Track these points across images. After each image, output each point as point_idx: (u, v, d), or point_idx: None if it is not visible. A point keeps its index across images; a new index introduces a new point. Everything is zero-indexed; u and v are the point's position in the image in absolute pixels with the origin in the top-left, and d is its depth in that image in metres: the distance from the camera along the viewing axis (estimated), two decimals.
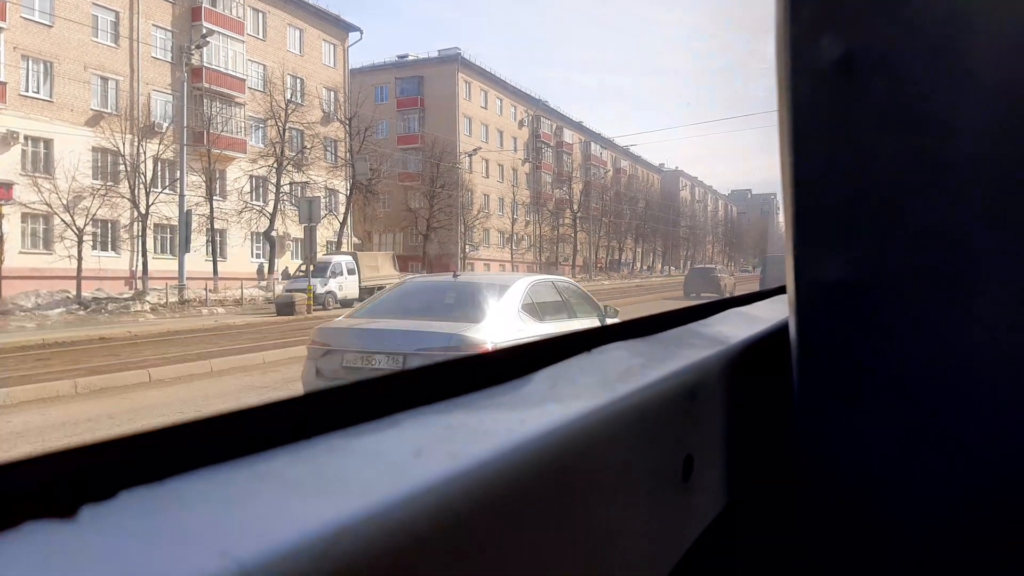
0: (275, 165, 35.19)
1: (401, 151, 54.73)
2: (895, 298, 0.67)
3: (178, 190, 28.03)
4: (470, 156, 51.76)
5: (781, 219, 1.06)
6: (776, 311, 1.13)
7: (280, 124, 35.94)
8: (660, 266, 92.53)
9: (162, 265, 33.51)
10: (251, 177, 36.22)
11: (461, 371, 0.57)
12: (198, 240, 32.68)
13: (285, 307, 19.92)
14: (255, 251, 39.41)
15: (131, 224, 31.52)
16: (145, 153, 30.53)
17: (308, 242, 21.04)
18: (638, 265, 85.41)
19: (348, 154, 39.60)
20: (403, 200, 50.22)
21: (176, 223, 32.00)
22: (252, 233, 37.92)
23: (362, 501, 0.31)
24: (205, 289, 27.68)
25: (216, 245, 33.10)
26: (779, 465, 0.83)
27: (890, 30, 0.65)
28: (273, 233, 34.86)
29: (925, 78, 0.64)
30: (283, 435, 0.38)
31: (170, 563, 0.26)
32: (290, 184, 39.02)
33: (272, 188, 36.81)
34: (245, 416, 0.40)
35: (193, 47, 30.80)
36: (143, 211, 29.50)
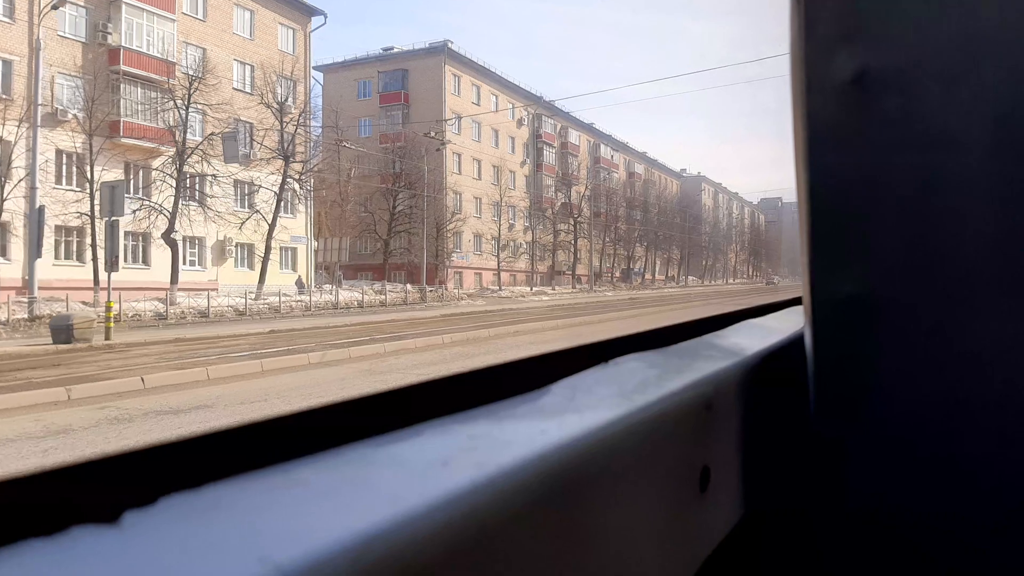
0: (176, 155, 30.15)
1: (382, 150, 49.75)
2: (910, 311, 0.68)
3: (36, 183, 23.18)
4: (438, 150, 46.28)
5: None
6: (791, 322, 1.10)
7: (180, 104, 30.95)
8: (677, 275, 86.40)
9: (66, 273, 29.20)
10: (191, 174, 31.40)
11: (481, 381, 0.58)
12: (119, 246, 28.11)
13: (60, 332, 14.82)
14: (188, 257, 34.77)
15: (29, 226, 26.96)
16: None
17: (108, 241, 15.97)
18: (650, 275, 79.30)
19: (280, 145, 34.44)
20: (376, 202, 45.25)
21: (87, 225, 28.15)
22: (185, 238, 33.21)
23: (392, 509, 0.31)
24: (65, 300, 22.87)
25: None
26: (795, 476, 0.83)
27: (904, 50, 0.67)
28: (174, 235, 29.91)
29: (939, 97, 0.66)
30: (313, 443, 0.39)
31: (211, 568, 0.26)
32: (235, 182, 34.73)
33: (218, 184, 32.26)
34: (276, 424, 0.41)
35: (50, 8, 25.96)
36: None
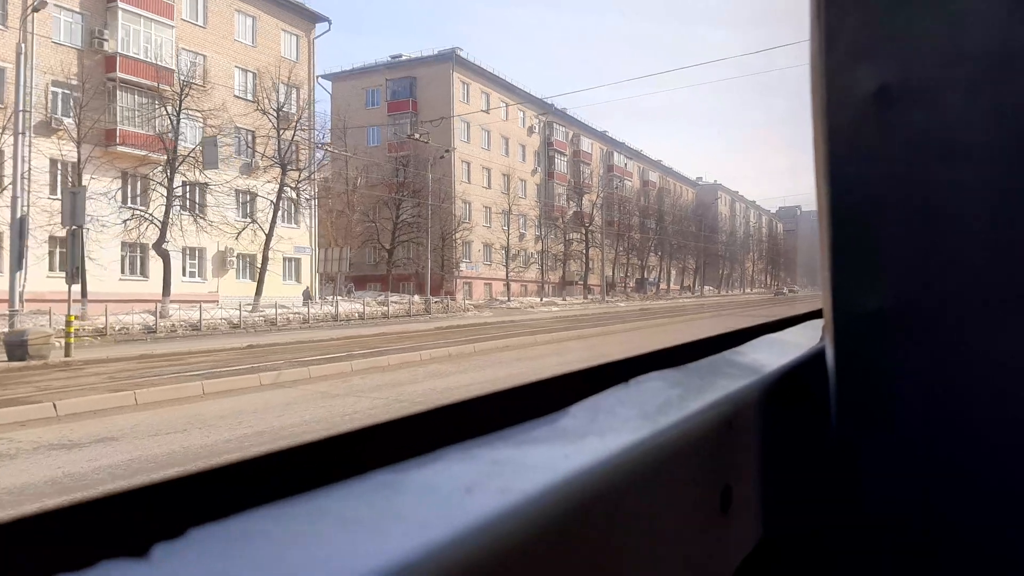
0: (167, 164, 29.22)
1: (390, 159, 48.80)
2: (933, 324, 0.68)
3: (22, 191, 22.31)
4: (442, 157, 45.15)
5: None
6: (809, 337, 1.09)
7: (171, 111, 30.07)
8: (693, 285, 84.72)
9: (60, 285, 28.35)
10: (184, 182, 30.54)
11: (501, 403, 0.58)
12: (110, 254, 27.30)
13: (15, 348, 13.83)
14: (188, 268, 33.91)
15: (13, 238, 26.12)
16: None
17: (71, 250, 14.98)
18: (665, 285, 77.66)
19: (277, 152, 33.50)
20: (381, 211, 44.26)
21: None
22: (184, 248, 32.37)
23: (420, 538, 0.31)
24: (49, 313, 21.96)
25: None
26: (817, 492, 0.82)
27: (925, 63, 0.67)
28: (166, 245, 28.96)
29: (960, 110, 0.65)
30: (339, 470, 0.39)
31: None
32: (235, 191, 33.94)
33: (211, 193, 31.50)
34: (302, 452, 0.41)
35: (31, 10, 25.20)
36: None
